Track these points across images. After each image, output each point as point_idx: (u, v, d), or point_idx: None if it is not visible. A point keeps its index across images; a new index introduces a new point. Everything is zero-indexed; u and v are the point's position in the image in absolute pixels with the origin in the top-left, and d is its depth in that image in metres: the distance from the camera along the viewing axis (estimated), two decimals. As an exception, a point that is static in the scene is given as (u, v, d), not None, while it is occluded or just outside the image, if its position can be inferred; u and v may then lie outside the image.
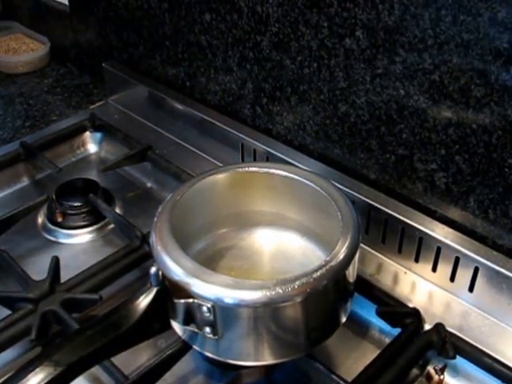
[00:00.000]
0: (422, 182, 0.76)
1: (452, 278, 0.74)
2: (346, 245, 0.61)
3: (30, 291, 0.72)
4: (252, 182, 0.73)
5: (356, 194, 0.79)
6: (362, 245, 0.70)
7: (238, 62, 0.92)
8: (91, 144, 1.08)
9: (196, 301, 0.57)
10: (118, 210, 0.92)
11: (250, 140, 0.92)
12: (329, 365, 0.66)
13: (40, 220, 0.90)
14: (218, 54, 0.95)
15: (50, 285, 0.73)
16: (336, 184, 0.70)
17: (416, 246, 0.76)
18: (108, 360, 0.64)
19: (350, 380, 0.63)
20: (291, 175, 0.71)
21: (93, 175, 0.99)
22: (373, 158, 0.80)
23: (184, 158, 1.00)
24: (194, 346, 0.63)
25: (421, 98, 0.71)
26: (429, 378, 0.67)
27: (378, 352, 0.67)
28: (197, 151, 1.02)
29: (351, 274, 0.62)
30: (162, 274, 0.59)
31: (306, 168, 0.79)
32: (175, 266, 0.59)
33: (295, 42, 0.81)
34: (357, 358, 0.69)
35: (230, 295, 0.56)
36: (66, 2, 1.24)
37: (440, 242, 0.73)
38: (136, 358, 0.68)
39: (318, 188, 0.68)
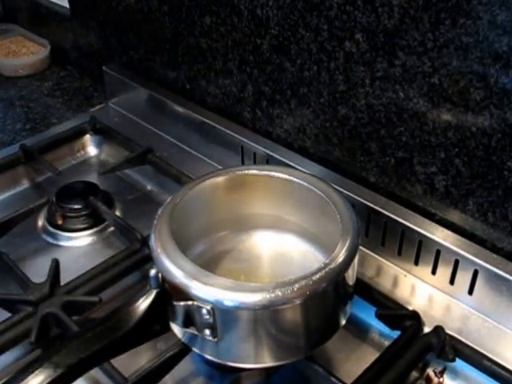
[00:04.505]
0: (421, 184, 0.76)
1: (451, 281, 0.74)
2: (346, 247, 0.61)
3: (29, 294, 0.72)
4: (252, 184, 0.73)
5: (356, 197, 0.79)
6: (361, 247, 0.70)
7: (238, 64, 0.92)
8: (91, 147, 1.08)
9: (195, 303, 0.57)
10: (117, 213, 0.92)
11: (250, 143, 0.92)
12: (328, 367, 0.66)
13: (40, 222, 0.91)
14: (218, 57, 0.95)
15: (50, 287, 0.73)
16: (336, 187, 0.70)
17: (415, 249, 0.76)
18: (108, 362, 0.64)
19: (349, 382, 0.63)
20: (291, 178, 0.71)
21: (93, 178, 1.00)
22: (372, 160, 0.80)
23: (184, 160, 1.00)
24: (194, 349, 0.63)
25: (420, 101, 0.71)
26: (428, 380, 0.67)
27: (377, 355, 0.67)
28: (197, 154, 1.03)
29: (351, 276, 0.62)
30: (162, 276, 0.59)
31: (305, 171, 0.79)
32: (175, 269, 0.59)
33: (295, 45, 0.82)
34: (356, 361, 0.69)
35: (230, 298, 0.56)
36: (67, 5, 1.24)
37: (439, 244, 0.73)
38: (136, 361, 0.68)
39: (317, 191, 0.69)
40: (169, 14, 0.99)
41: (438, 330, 0.68)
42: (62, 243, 0.88)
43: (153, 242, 0.63)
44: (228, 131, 0.95)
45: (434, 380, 0.67)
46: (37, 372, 0.53)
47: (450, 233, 0.74)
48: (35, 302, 0.72)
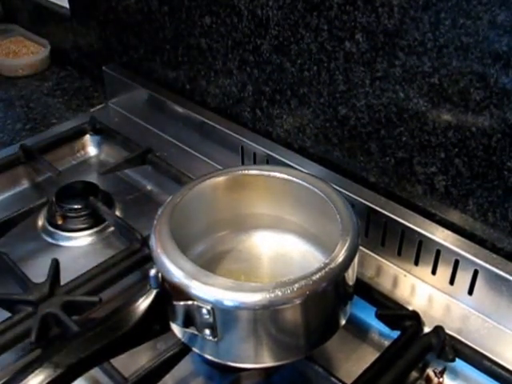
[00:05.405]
0: (421, 184, 0.76)
1: (451, 281, 0.74)
2: (346, 247, 0.61)
3: (29, 294, 0.72)
4: (252, 184, 0.73)
5: (355, 197, 0.79)
6: (361, 247, 0.70)
7: (238, 65, 0.92)
8: (91, 147, 1.08)
9: (196, 303, 0.57)
10: (117, 213, 0.92)
11: (250, 143, 0.92)
12: (328, 367, 0.66)
13: (40, 223, 0.91)
14: (218, 57, 0.95)
15: (50, 287, 0.73)
16: (336, 187, 0.70)
17: (415, 249, 0.76)
18: (108, 362, 0.64)
19: (349, 382, 0.63)
20: (291, 178, 0.71)
21: (93, 178, 1.00)
22: (372, 160, 0.80)
23: (184, 160, 1.00)
24: (194, 349, 0.63)
25: (420, 101, 0.71)
26: (428, 380, 0.67)
27: (377, 355, 0.67)
28: (197, 154, 1.03)
29: (350, 276, 0.62)
30: (162, 276, 0.59)
31: (305, 171, 0.79)
32: (175, 269, 0.59)
33: (295, 45, 0.82)
34: (356, 361, 0.69)
35: (230, 297, 0.56)
36: (67, 5, 1.24)
37: (439, 244, 0.73)
38: (135, 361, 0.68)
39: (317, 191, 0.69)
40: (169, 14, 0.99)
41: (438, 330, 0.68)
42: (61, 243, 0.88)
43: (153, 241, 0.63)
44: (228, 131, 0.95)
45: (433, 380, 0.67)
46: (37, 372, 0.53)
47: (450, 233, 0.74)
48: (35, 301, 0.72)
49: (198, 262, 0.61)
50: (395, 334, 0.70)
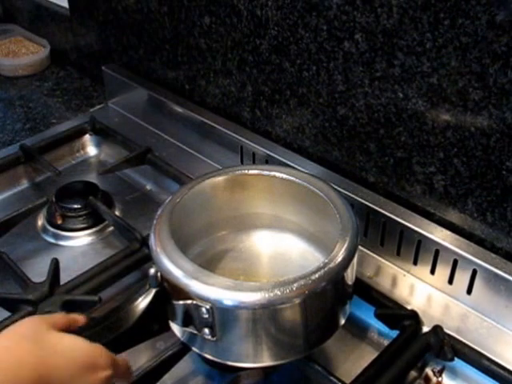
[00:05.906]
0: (420, 184, 0.76)
1: (450, 281, 0.74)
2: (345, 247, 0.61)
3: (29, 293, 0.73)
4: (251, 184, 0.73)
5: (355, 197, 0.79)
6: (360, 247, 0.71)
7: (237, 65, 0.92)
8: (91, 147, 1.08)
9: (195, 302, 0.57)
10: (117, 213, 0.92)
11: (250, 143, 0.92)
12: (327, 367, 0.66)
13: (40, 222, 0.91)
14: (217, 57, 0.95)
15: (50, 287, 0.73)
16: (335, 186, 0.70)
17: (414, 249, 0.76)
18: (107, 361, 0.64)
19: (348, 382, 0.63)
20: (290, 178, 0.71)
21: (92, 178, 1.00)
22: (371, 160, 0.80)
23: (183, 160, 1.00)
24: (193, 348, 0.63)
25: (419, 101, 0.72)
26: (427, 380, 0.68)
27: (376, 354, 0.67)
28: (196, 154, 1.03)
29: (350, 276, 0.63)
30: (161, 275, 0.59)
31: (305, 171, 0.79)
32: (174, 268, 0.59)
33: (294, 46, 0.82)
34: (355, 360, 0.70)
35: (229, 297, 0.56)
36: (67, 5, 1.24)
37: (438, 244, 0.73)
38: (135, 360, 0.68)
39: (316, 190, 0.69)
40: (168, 14, 0.99)
41: (437, 329, 0.68)
42: (61, 243, 0.88)
43: (152, 241, 0.63)
44: (227, 131, 0.95)
45: (432, 379, 0.67)
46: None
47: (448, 233, 0.74)
48: (35, 301, 0.72)
49: (198, 261, 0.61)
50: (394, 333, 0.70)
